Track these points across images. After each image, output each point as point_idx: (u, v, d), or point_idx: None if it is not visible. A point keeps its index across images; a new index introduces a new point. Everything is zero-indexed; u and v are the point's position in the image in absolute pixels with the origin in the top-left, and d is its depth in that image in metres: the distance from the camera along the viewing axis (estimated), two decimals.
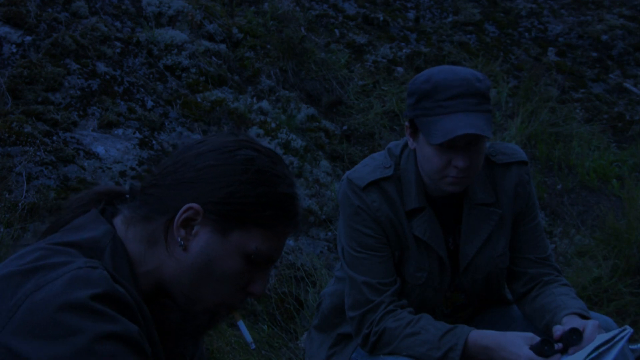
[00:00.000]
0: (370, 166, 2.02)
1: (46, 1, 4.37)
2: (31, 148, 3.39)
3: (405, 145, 2.04)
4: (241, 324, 1.33)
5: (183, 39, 4.58)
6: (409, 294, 2.04)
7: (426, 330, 1.90)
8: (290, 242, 3.63)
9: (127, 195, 1.29)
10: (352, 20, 5.76)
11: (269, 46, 5.00)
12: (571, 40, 6.28)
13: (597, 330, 1.77)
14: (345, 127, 4.78)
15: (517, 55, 5.97)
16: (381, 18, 5.84)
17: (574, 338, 1.74)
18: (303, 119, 4.56)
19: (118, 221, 1.23)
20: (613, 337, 1.69)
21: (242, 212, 1.19)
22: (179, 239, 1.19)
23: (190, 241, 1.20)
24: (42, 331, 1.00)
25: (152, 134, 3.90)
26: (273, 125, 4.32)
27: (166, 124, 4.03)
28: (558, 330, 1.80)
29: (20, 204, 3.10)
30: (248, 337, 1.35)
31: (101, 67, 4.08)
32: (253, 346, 1.39)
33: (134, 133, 3.83)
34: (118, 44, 4.33)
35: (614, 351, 1.65)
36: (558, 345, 1.75)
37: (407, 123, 1.96)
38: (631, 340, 1.79)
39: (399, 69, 5.38)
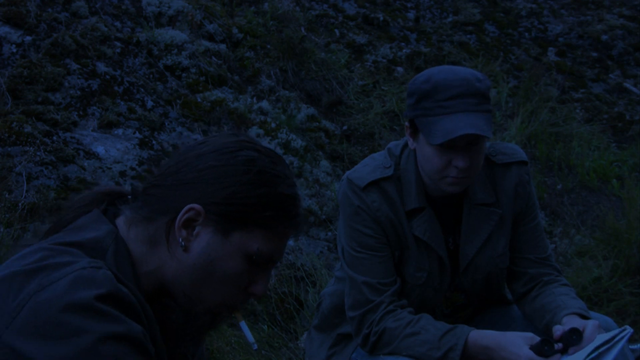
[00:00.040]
0: (370, 166, 2.02)
1: (46, 1, 4.37)
2: (31, 148, 3.39)
3: (405, 145, 2.03)
4: (243, 324, 1.34)
5: (183, 39, 4.58)
6: (409, 294, 2.04)
7: (426, 330, 1.90)
8: (290, 242, 3.63)
9: (129, 196, 1.29)
10: (352, 20, 5.76)
11: (269, 46, 5.00)
12: (571, 40, 6.28)
13: (597, 330, 1.77)
14: (345, 127, 4.78)
15: (517, 55, 5.97)
16: (381, 18, 5.84)
17: (574, 338, 1.74)
18: (303, 119, 4.56)
19: (120, 221, 1.24)
20: (613, 337, 1.69)
21: (243, 212, 1.20)
22: (180, 240, 1.20)
23: (191, 242, 1.20)
24: (47, 331, 1.00)
25: (152, 134, 3.90)
26: (273, 125, 4.32)
27: (166, 124, 4.03)
28: (558, 330, 1.80)
29: (20, 204, 3.10)
30: (250, 337, 1.35)
31: (101, 67, 4.08)
32: (255, 346, 1.40)
33: (134, 133, 3.83)
34: (118, 44, 4.33)
35: (614, 351, 1.65)
36: (558, 345, 1.75)
37: (407, 123, 1.96)
38: (631, 340, 1.79)
39: (399, 69, 5.38)
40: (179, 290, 1.22)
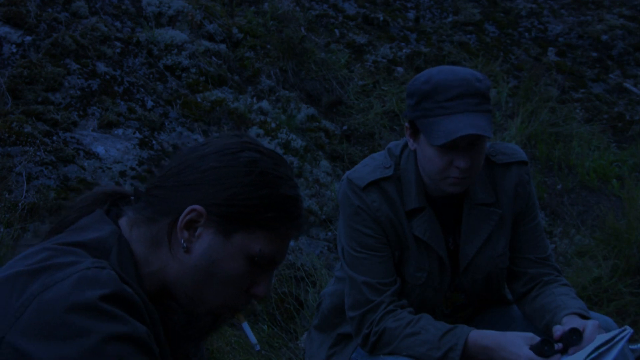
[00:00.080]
0: (370, 166, 2.02)
1: (46, 1, 4.37)
2: (31, 148, 3.39)
3: (405, 145, 2.03)
4: (245, 325, 1.33)
5: (183, 39, 4.58)
6: (409, 294, 2.04)
7: (426, 330, 1.90)
8: (290, 243, 3.62)
9: (132, 197, 1.29)
10: (352, 20, 5.76)
11: (269, 46, 5.00)
12: (571, 40, 6.28)
13: (597, 330, 1.77)
14: (345, 127, 4.78)
15: (517, 55, 5.97)
16: (381, 18, 5.84)
17: (574, 338, 1.75)
18: (303, 119, 4.56)
19: (123, 222, 1.24)
20: (613, 338, 1.69)
21: (245, 214, 1.20)
22: (182, 241, 1.20)
23: (193, 243, 1.20)
24: (51, 332, 1.00)
25: (152, 134, 3.90)
26: (273, 125, 4.32)
27: (166, 124, 4.03)
28: (558, 330, 1.80)
29: (20, 204, 3.10)
30: (253, 338, 1.35)
31: (101, 67, 4.08)
32: (257, 347, 1.39)
33: (134, 133, 3.83)
34: (118, 44, 4.33)
35: (614, 351, 1.65)
36: (558, 346, 1.75)
37: (407, 124, 1.96)
38: (631, 340, 1.79)
39: (399, 69, 5.38)
40: (181, 292, 1.22)
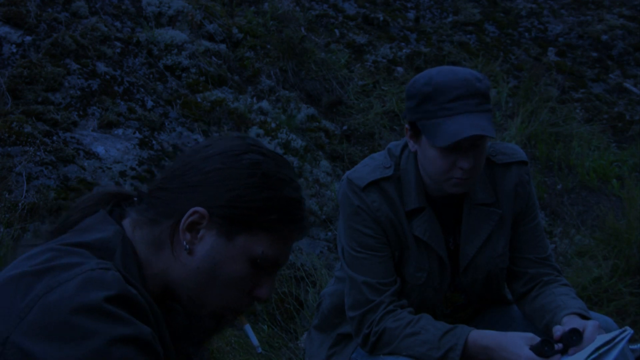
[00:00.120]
0: (370, 166, 2.02)
1: (46, 1, 4.37)
2: (31, 148, 3.39)
3: (405, 145, 2.03)
4: (248, 327, 1.33)
5: (183, 39, 4.58)
6: (409, 294, 2.04)
7: (426, 330, 1.90)
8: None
9: (135, 198, 1.29)
10: (352, 20, 5.76)
11: (269, 46, 5.00)
12: (571, 40, 6.28)
13: (597, 330, 1.77)
14: (345, 127, 4.78)
15: (517, 55, 5.97)
16: (381, 18, 5.84)
17: (574, 339, 1.74)
18: (303, 119, 4.56)
19: (126, 223, 1.24)
20: (613, 338, 1.69)
21: (247, 216, 1.19)
22: (184, 243, 1.20)
23: (195, 245, 1.20)
24: (57, 333, 1.00)
25: (152, 134, 3.90)
26: (273, 125, 4.32)
27: (166, 124, 4.03)
28: (558, 330, 1.80)
29: (20, 204, 3.10)
30: (255, 340, 1.34)
31: (101, 67, 4.08)
32: (259, 349, 1.39)
33: (134, 133, 3.83)
34: (118, 44, 4.33)
35: (614, 352, 1.65)
36: (558, 346, 1.75)
37: (407, 125, 1.96)
38: (631, 340, 1.79)
39: (399, 69, 5.38)
40: (184, 293, 1.22)
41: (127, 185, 3.46)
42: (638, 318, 3.29)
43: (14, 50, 3.97)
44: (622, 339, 1.67)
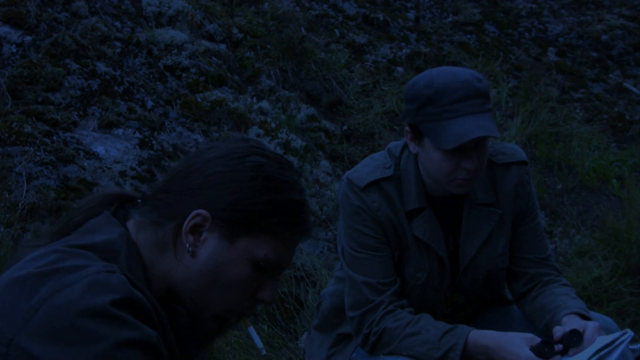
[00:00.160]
0: (370, 166, 2.02)
1: (46, 1, 4.37)
2: (31, 148, 3.39)
3: (405, 145, 2.03)
4: (252, 330, 1.33)
5: (183, 39, 4.58)
6: (409, 294, 2.04)
7: (426, 330, 1.90)
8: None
9: (139, 200, 1.29)
10: (352, 20, 5.76)
11: (269, 46, 5.00)
12: (571, 40, 6.28)
13: (597, 331, 1.77)
14: (345, 127, 4.78)
15: (517, 55, 5.97)
16: (381, 18, 5.84)
17: (574, 339, 1.74)
18: (303, 119, 4.56)
19: (130, 225, 1.24)
20: (614, 341, 1.69)
21: (250, 218, 1.19)
22: (187, 245, 1.19)
23: (198, 247, 1.20)
24: (62, 336, 1.00)
25: (152, 134, 3.90)
26: (273, 125, 4.32)
27: (166, 124, 4.03)
28: (558, 331, 1.79)
29: (20, 204, 3.10)
30: (259, 343, 1.34)
31: (101, 67, 4.08)
32: (264, 352, 1.39)
33: (134, 133, 3.83)
34: (118, 44, 4.33)
35: (615, 355, 1.65)
36: (558, 347, 1.75)
37: (407, 128, 1.95)
38: (631, 341, 1.79)
39: (399, 69, 5.37)
40: (186, 296, 1.22)
41: (127, 185, 3.46)
42: (638, 318, 3.29)
43: (14, 50, 3.97)
44: (623, 341, 1.67)
